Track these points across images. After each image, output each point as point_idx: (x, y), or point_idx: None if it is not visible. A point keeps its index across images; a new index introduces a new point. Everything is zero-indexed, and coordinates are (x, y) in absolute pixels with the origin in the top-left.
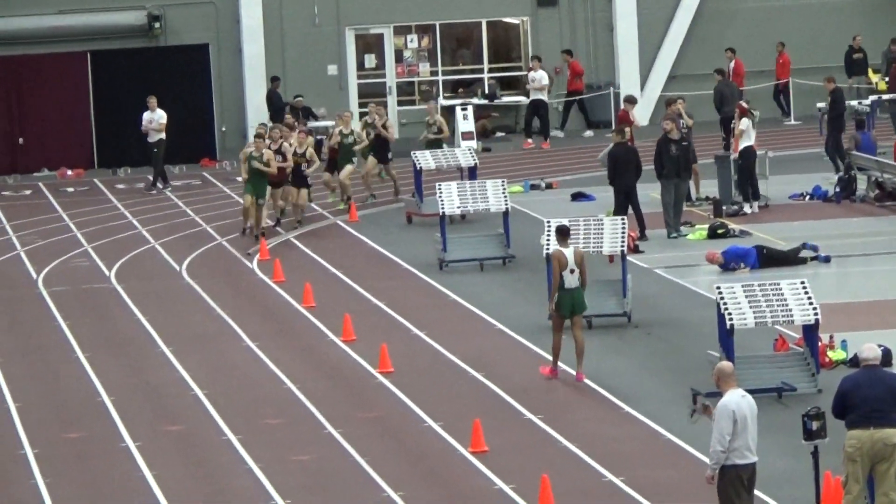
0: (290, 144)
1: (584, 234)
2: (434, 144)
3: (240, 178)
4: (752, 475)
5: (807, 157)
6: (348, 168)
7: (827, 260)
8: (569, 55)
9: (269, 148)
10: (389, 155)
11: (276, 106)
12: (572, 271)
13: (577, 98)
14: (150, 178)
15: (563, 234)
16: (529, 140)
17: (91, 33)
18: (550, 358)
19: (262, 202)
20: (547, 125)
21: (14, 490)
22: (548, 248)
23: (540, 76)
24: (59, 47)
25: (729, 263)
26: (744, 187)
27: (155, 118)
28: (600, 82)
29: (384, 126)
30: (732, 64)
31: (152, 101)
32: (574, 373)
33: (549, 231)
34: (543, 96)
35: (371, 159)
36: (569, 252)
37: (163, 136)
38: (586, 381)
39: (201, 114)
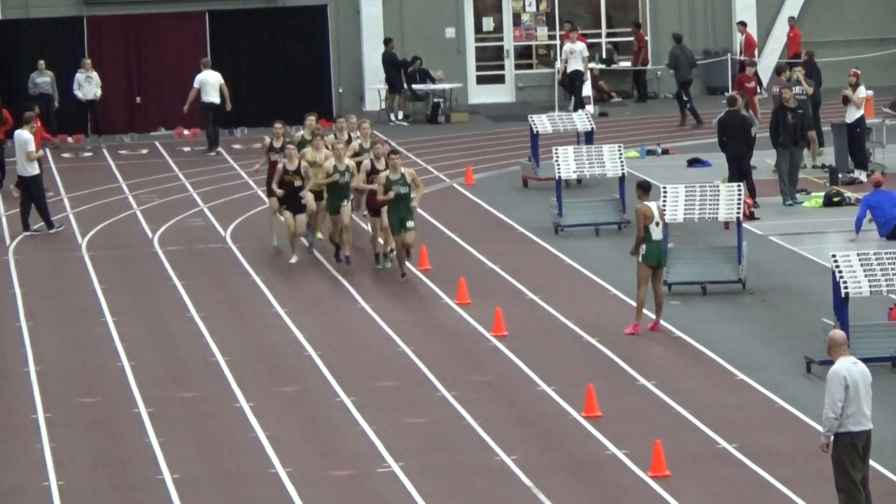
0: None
1: (700, 201)
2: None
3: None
4: (867, 443)
5: None
6: (347, 209)
7: None
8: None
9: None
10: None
11: (395, 65)
12: (657, 224)
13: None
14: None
15: (645, 189)
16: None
17: None
18: (665, 324)
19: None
20: (581, 97)
21: (128, 448)
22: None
23: (580, 48)
24: (178, 6)
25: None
26: (854, 155)
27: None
28: (718, 49)
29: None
30: (744, 37)
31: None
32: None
33: (664, 196)
34: (580, 66)
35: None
36: (653, 206)
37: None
38: (700, 346)
39: (318, 75)
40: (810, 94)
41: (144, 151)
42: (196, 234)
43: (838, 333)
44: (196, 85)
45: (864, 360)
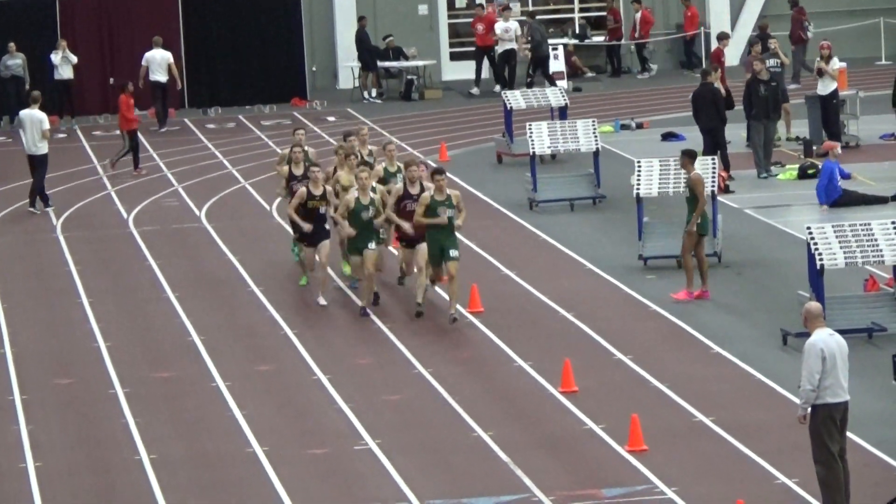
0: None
1: (675, 175)
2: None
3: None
4: (845, 414)
5: None
6: (372, 255)
7: None
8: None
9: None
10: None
11: (364, 46)
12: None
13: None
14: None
15: (692, 157)
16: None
17: None
18: (640, 298)
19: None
20: (514, 76)
21: (104, 429)
22: (638, 188)
23: (514, 26)
24: None
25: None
26: (829, 128)
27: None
28: None
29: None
30: (639, 15)
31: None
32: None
33: (639, 171)
34: (514, 46)
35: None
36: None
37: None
38: (676, 320)
39: (292, 54)
40: (786, 65)
41: (118, 132)
42: (171, 214)
43: (814, 305)
44: (144, 63)
45: (841, 332)
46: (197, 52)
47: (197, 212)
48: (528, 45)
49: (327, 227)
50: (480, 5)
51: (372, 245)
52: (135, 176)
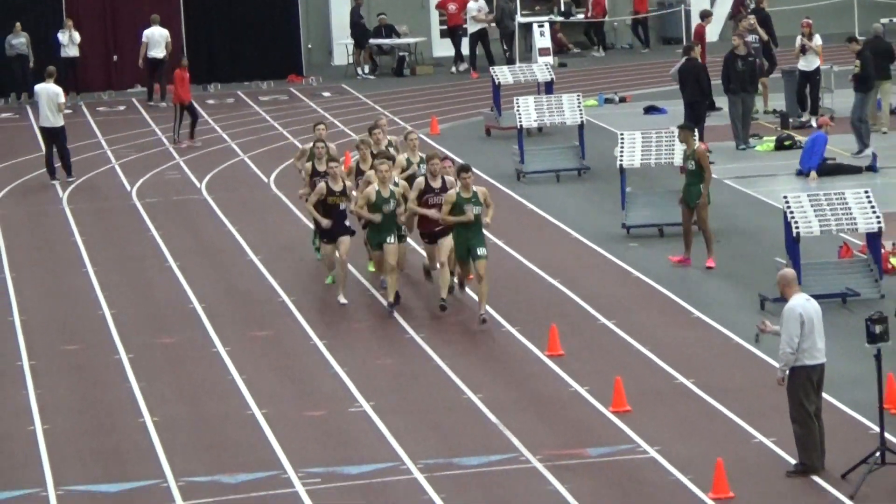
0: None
1: (657, 146)
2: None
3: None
4: (821, 376)
5: None
6: (394, 248)
7: (874, 169)
8: None
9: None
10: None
11: (353, 21)
12: None
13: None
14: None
15: (692, 129)
16: (475, 72)
17: None
18: (624, 265)
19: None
20: (491, 55)
21: (109, 393)
22: (621, 160)
23: (479, 6)
24: None
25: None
26: (802, 101)
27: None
28: (672, 0)
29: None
30: None
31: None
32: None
33: (622, 143)
34: (483, 26)
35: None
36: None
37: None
38: (658, 286)
39: (288, 31)
40: (765, 41)
41: (122, 108)
42: (172, 186)
43: (789, 272)
44: (143, 40)
45: (816, 297)
46: (197, 30)
47: (197, 184)
48: (491, 20)
49: (347, 223)
50: None
51: (391, 239)
52: (190, 146)
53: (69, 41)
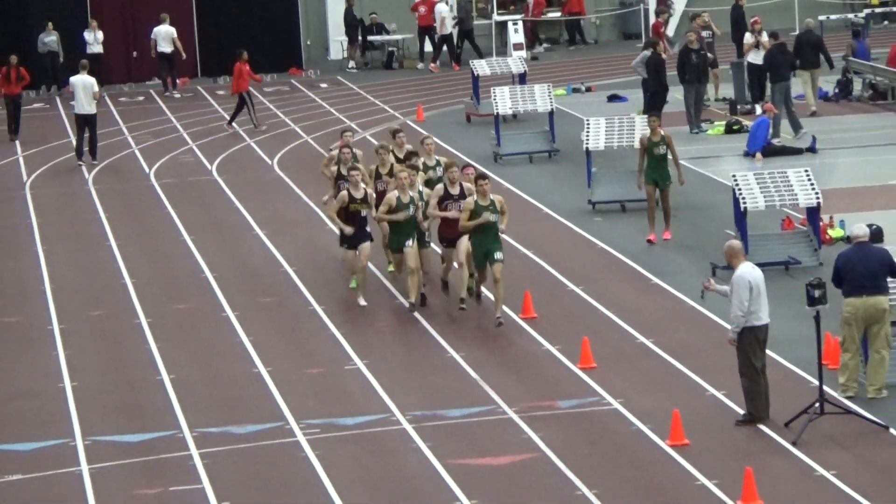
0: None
1: (619, 130)
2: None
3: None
4: (766, 336)
5: None
6: (413, 251)
7: (813, 150)
8: None
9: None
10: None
11: (345, 20)
12: None
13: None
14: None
15: (659, 116)
16: (457, 64)
17: None
18: (590, 237)
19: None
20: (478, 49)
21: (131, 353)
22: (587, 143)
23: (443, 10)
24: None
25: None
26: (754, 90)
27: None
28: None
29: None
30: None
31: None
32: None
33: (588, 128)
34: (449, 28)
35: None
36: None
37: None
38: (621, 256)
39: (289, 29)
40: (717, 34)
41: (141, 98)
42: (187, 168)
43: (735, 243)
44: (153, 37)
45: (761, 265)
46: (208, 28)
47: (209, 166)
48: (455, 21)
49: (368, 229)
50: None
51: (410, 242)
52: (254, 130)
53: (94, 39)
